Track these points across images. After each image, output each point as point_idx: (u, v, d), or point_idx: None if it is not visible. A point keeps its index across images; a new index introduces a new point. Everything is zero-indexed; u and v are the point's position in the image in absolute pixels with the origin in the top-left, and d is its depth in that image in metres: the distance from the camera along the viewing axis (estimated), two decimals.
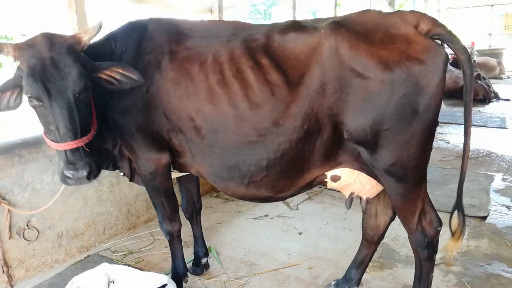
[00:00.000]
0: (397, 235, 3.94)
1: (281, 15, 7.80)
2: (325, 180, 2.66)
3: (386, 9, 11.51)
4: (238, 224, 4.42)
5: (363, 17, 2.37)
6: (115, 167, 3.02)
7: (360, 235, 3.09)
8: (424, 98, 2.22)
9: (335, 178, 2.64)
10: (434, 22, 2.29)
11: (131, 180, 3.05)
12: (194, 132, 2.58)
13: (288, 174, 2.55)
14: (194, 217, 3.50)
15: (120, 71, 2.41)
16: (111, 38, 2.75)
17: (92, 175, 2.33)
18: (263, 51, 2.46)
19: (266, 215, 4.57)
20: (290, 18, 7.21)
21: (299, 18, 7.68)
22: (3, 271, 3.28)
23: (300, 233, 4.16)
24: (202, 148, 2.61)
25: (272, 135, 2.42)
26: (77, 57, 2.27)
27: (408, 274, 3.35)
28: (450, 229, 2.56)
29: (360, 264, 3.12)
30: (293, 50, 2.39)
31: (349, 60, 2.24)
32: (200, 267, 3.47)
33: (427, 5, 14.66)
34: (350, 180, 2.66)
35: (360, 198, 2.85)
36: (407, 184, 2.43)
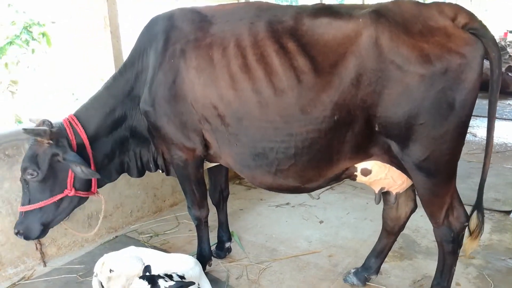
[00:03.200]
0: (419, 227, 3.95)
1: (308, 2, 7.73)
2: (355, 173, 2.63)
3: None
4: (260, 211, 4.51)
5: (400, 7, 2.31)
6: (156, 167, 3.14)
7: (381, 225, 3.11)
8: (461, 93, 2.19)
9: (366, 172, 2.61)
10: (472, 16, 2.25)
11: (167, 174, 3.17)
12: (218, 120, 2.59)
13: (316, 164, 2.52)
14: (221, 203, 3.56)
15: (80, 168, 2.72)
16: (134, 58, 2.93)
17: (20, 234, 2.85)
18: (290, 35, 2.40)
19: (287, 203, 4.64)
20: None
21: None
22: (37, 248, 3.47)
23: (321, 222, 4.21)
24: (227, 137, 2.62)
25: (299, 123, 2.39)
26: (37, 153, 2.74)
27: (428, 265, 3.37)
28: (469, 228, 2.56)
29: (380, 253, 3.14)
30: (324, 36, 2.34)
31: (388, 51, 2.19)
32: (223, 251, 3.57)
33: None
34: (381, 175, 2.63)
35: (388, 193, 2.83)
36: (437, 179, 2.41)
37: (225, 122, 2.58)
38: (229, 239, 3.63)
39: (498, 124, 8.06)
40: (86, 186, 2.94)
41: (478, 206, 2.55)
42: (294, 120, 2.40)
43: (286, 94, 2.37)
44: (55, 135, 2.76)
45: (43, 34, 7.62)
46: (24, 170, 2.75)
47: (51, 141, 2.74)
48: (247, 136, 2.55)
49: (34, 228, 2.85)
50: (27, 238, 2.88)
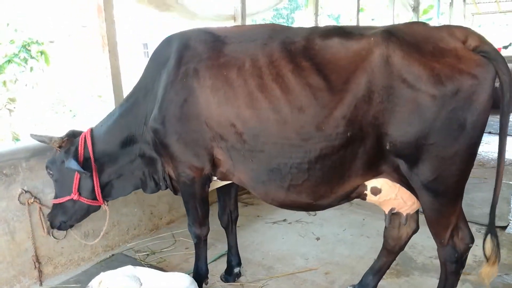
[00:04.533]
0: (415, 243, 3.95)
1: (304, 20, 7.83)
2: (365, 192, 2.63)
3: (410, 15, 11.42)
4: (257, 228, 4.51)
5: (412, 29, 2.35)
6: (166, 185, 3.18)
7: (378, 242, 3.12)
8: (472, 114, 2.19)
9: (376, 191, 2.61)
10: (482, 39, 2.26)
11: (175, 193, 3.20)
12: (235, 138, 2.61)
13: (329, 180, 2.53)
14: (230, 226, 3.51)
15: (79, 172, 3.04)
16: (147, 78, 3.02)
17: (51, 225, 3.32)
18: (303, 54, 2.45)
19: (284, 220, 4.65)
20: (313, 23, 7.25)
21: (321, 23, 7.71)
22: (35, 267, 3.45)
23: (317, 239, 4.22)
24: (243, 153, 2.63)
25: (314, 140, 2.41)
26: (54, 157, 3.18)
27: (425, 282, 3.37)
28: (484, 254, 2.49)
29: (378, 271, 3.14)
30: (336, 55, 2.37)
31: (400, 69, 2.22)
32: (232, 276, 3.49)
33: (452, 12, 14.45)
34: (391, 195, 2.63)
35: (399, 214, 2.83)
36: (444, 199, 2.41)
37: (242, 139, 2.60)
38: (239, 264, 3.54)
39: (492, 139, 8.13)
40: (89, 194, 3.15)
41: (491, 229, 2.48)
42: (309, 136, 2.42)
43: (302, 111, 2.40)
44: (66, 143, 3.12)
45: (42, 53, 7.72)
46: (46, 169, 3.21)
47: (59, 149, 3.11)
48: (264, 152, 2.57)
49: (55, 220, 3.27)
50: (51, 226, 3.33)
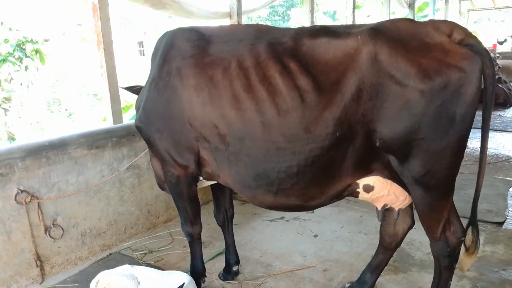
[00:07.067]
0: (412, 239, 3.96)
1: (300, 17, 7.83)
2: (357, 190, 2.60)
3: (405, 12, 11.44)
4: (255, 226, 4.51)
5: (397, 25, 2.35)
6: None
7: (375, 239, 3.12)
8: (461, 107, 2.19)
9: (368, 189, 2.59)
10: (467, 32, 2.27)
11: (162, 189, 3.21)
12: (218, 140, 2.57)
13: (318, 182, 2.50)
14: (226, 224, 3.48)
15: None
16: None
17: None
18: (291, 55, 2.42)
19: (282, 217, 4.64)
20: (308, 20, 7.25)
21: (317, 20, 7.70)
22: (37, 265, 3.45)
23: (315, 236, 4.22)
24: (227, 156, 2.59)
25: (302, 142, 2.37)
26: None
27: (423, 278, 3.38)
28: (464, 244, 2.56)
29: (376, 268, 3.13)
30: (324, 55, 2.35)
31: (387, 66, 2.21)
32: (230, 274, 3.47)
33: (448, 8, 14.47)
34: (383, 191, 2.62)
35: (391, 209, 2.83)
36: (436, 193, 2.41)
37: (225, 141, 2.56)
38: (237, 263, 3.52)
39: (489, 135, 8.17)
40: None
41: (473, 221, 2.55)
42: (297, 139, 2.39)
43: (290, 114, 2.37)
44: None
45: (37, 51, 7.68)
46: None
47: None
48: (249, 156, 2.53)
49: None
50: None
